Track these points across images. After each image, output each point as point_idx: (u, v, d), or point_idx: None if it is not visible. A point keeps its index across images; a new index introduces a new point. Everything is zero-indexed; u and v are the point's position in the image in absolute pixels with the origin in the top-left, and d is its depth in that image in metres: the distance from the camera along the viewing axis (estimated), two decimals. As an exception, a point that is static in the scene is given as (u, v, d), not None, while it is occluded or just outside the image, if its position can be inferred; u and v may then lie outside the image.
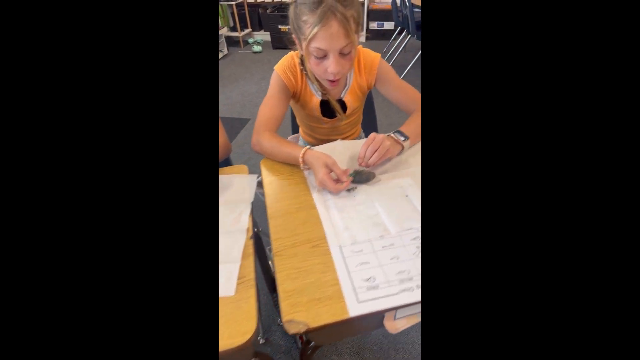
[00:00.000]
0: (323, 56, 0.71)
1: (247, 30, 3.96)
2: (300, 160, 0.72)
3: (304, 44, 0.70)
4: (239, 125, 2.37)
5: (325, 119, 0.95)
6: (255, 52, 3.73)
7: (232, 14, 3.78)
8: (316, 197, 0.67)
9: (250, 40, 3.96)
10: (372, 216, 0.62)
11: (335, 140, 1.01)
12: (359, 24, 0.72)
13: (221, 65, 3.51)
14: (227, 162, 1.14)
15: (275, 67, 0.87)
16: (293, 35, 0.76)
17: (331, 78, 0.74)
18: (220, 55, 3.63)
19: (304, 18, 0.67)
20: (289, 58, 0.87)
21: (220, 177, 0.74)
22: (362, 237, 0.58)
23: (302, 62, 0.85)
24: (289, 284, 0.51)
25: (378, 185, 0.69)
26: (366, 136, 1.22)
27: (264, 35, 3.97)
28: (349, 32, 0.68)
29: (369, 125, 1.18)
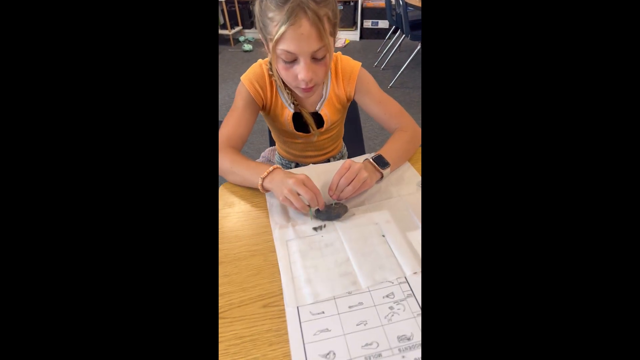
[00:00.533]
0: (293, 60, 0.60)
1: (237, 28, 3.83)
2: (260, 183, 0.62)
3: (270, 45, 0.60)
4: (224, 129, 2.27)
5: (299, 133, 0.84)
6: (246, 51, 3.62)
7: (222, 10, 3.65)
8: (277, 235, 0.57)
9: (241, 39, 3.84)
10: (340, 263, 0.52)
11: (311, 156, 0.91)
12: (335, 25, 0.61)
13: (210, 64, 3.39)
14: None
15: (242, 77, 0.76)
16: (260, 36, 0.65)
17: (303, 86, 0.64)
18: (209, 54, 3.50)
19: (270, 15, 0.57)
20: (257, 66, 0.77)
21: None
22: (325, 293, 0.48)
23: (271, 68, 0.74)
24: (229, 362, 0.41)
25: (351, 222, 0.59)
26: (349, 152, 1.13)
27: (255, 34, 3.84)
28: (321, 33, 0.57)
29: (353, 139, 1.08)
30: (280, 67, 0.63)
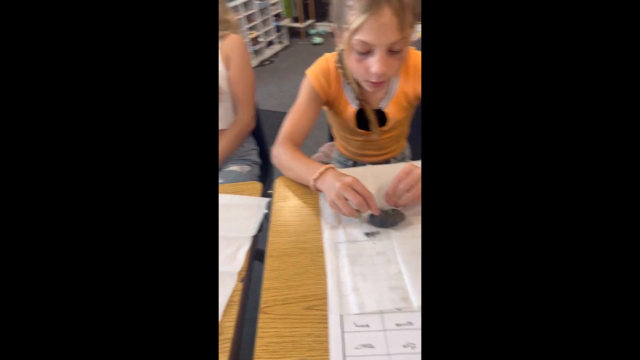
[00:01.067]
0: (367, 52, 0.58)
1: (309, 21, 3.88)
2: (312, 184, 0.60)
3: (345, 35, 0.58)
4: (287, 121, 2.33)
5: (360, 131, 0.81)
6: (315, 44, 3.65)
7: (295, 3, 3.73)
8: (326, 236, 0.55)
9: (312, 32, 3.88)
10: (391, 276, 0.48)
11: (371, 155, 0.87)
12: (417, 15, 0.57)
13: (280, 56, 3.50)
14: (265, 157, 1.08)
15: (307, 71, 0.76)
16: (333, 25, 0.63)
17: (374, 79, 0.61)
18: (280, 47, 3.61)
19: (350, 3, 0.55)
20: (323, 61, 0.75)
21: (224, 197, 0.66)
22: (372, 305, 0.45)
23: (339, 60, 0.72)
24: (266, 358, 0.40)
25: (407, 232, 0.55)
26: (412, 154, 1.06)
27: (326, 27, 3.85)
28: (403, 24, 0.54)
29: (417, 140, 1.01)
30: (352, 58, 0.61)
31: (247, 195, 0.67)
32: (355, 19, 0.54)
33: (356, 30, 0.55)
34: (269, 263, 0.52)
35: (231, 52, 0.92)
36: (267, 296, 0.48)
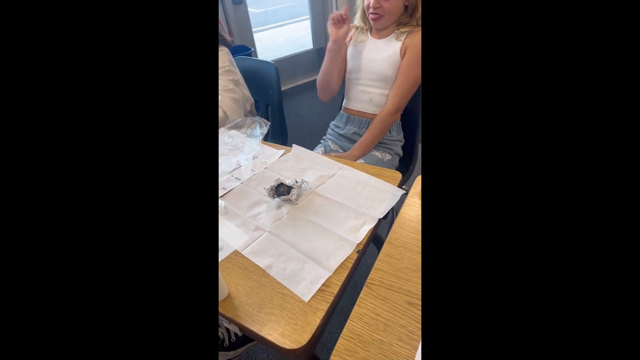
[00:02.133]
0: None
1: None
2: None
3: None
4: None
5: None
6: None
7: None
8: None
9: None
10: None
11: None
12: None
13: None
14: (410, 153, 1.10)
15: None
16: None
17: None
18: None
19: None
20: None
21: (363, 174, 0.71)
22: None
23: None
24: (358, 326, 0.44)
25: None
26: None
27: None
28: None
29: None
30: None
31: (386, 181, 0.71)
32: None
33: None
34: (386, 248, 0.55)
35: (409, 45, 0.94)
36: (375, 275, 0.51)
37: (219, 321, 0.88)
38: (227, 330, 0.83)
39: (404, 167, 1.12)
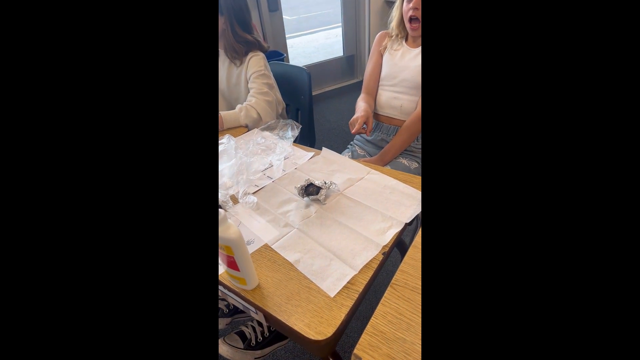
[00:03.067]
0: None
1: None
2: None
3: None
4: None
5: None
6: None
7: None
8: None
9: None
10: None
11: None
12: None
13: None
14: None
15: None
16: None
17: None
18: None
19: None
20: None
21: (391, 179, 0.73)
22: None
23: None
24: (382, 323, 0.46)
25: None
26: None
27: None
28: None
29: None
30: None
31: (413, 187, 0.72)
32: None
33: None
34: (412, 252, 0.56)
35: None
36: (400, 276, 0.52)
37: (246, 320, 0.91)
38: (254, 329, 0.86)
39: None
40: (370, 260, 0.57)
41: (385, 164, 1.03)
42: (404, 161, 1.05)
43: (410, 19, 0.96)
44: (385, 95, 1.09)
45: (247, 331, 0.86)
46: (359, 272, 0.55)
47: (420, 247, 0.57)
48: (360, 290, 0.52)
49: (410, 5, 0.93)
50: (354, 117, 0.95)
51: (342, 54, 2.76)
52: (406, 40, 1.06)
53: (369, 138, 1.14)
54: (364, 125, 0.95)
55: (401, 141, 1.02)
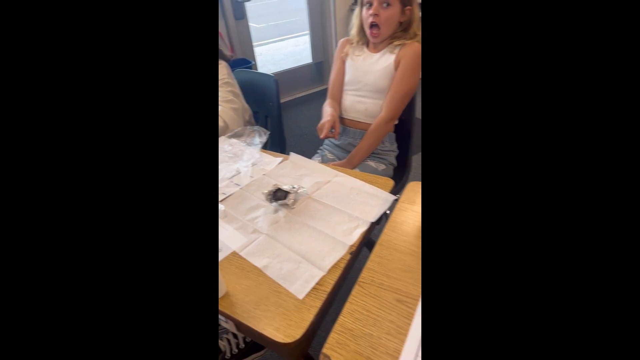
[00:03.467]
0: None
1: None
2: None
3: None
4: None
5: None
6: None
7: None
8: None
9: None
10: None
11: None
12: None
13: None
14: (404, 164, 1.14)
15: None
16: None
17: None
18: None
19: None
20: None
21: (357, 181, 0.75)
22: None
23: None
24: (349, 321, 0.47)
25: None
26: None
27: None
28: None
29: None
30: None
31: (379, 188, 0.74)
32: None
33: None
34: (377, 250, 0.58)
35: (403, 56, 0.99)
36: (366, 274, 0.54)
37: (221, 333, 0.89)
38: (229, 342, 0.84)
39: (398, 177, 1.15)
40: (338, 261, 0.58)
41: (353, 167, 1.05)
42: (372, 163, 1.08)
43: (371, 25, 0.99)
44: (349, 100, 1.11)
45: (222, 344, 0.85)
46: (328, 272, 0.56)
47: (385, 245, 0.59)
48: (329, 290, 0.53)
49: (370, 12, 0.97)
50: (322, 122, 0.97)
51: (311, 61, 2.80)
52: (367, 46, 1.09)
53: (337, 142, 1.16)
54: (332, 129, 0.97)
55: (368, 144, 1.05)
